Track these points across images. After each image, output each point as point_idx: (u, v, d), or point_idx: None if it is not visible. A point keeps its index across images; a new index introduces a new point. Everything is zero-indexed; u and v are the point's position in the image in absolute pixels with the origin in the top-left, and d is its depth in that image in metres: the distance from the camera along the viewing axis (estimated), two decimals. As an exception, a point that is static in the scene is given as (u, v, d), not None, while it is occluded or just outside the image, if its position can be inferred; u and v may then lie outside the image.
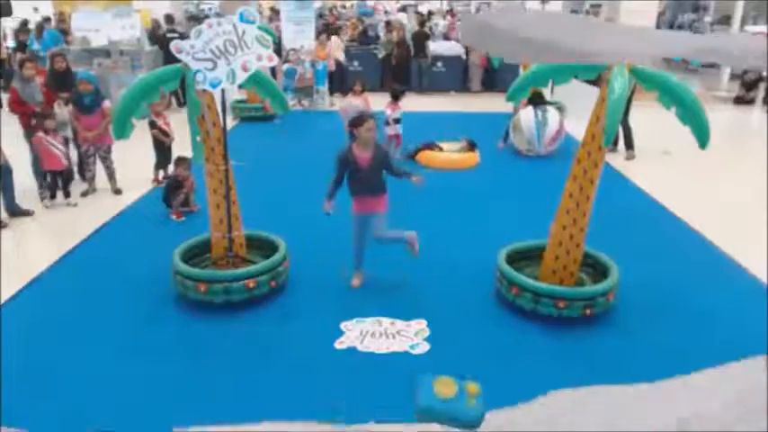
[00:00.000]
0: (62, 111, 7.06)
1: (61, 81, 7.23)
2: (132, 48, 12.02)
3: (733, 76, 15.22)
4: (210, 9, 19.34)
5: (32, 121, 6.77)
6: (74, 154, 7.27)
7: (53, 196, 6.85)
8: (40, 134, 6.53)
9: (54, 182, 6.86)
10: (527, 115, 8.85)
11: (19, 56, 9.95)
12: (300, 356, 4.00)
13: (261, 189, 6.81)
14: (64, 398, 3.59)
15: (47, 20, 13.95)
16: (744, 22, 16.47)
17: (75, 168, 7.47)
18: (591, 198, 4.31)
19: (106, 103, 7.00)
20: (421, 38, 14.39)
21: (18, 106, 6.83)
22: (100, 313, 4.53)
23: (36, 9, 14.13)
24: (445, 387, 2.26)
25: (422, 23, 16.13)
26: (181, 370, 3.86)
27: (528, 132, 8.79)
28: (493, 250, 4.84)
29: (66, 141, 7.14)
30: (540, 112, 8.81)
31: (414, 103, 13.32)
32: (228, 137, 4.69)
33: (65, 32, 12.25)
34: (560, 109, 9.26)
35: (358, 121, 4.56)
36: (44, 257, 5.42)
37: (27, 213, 6.47)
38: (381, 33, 15.44)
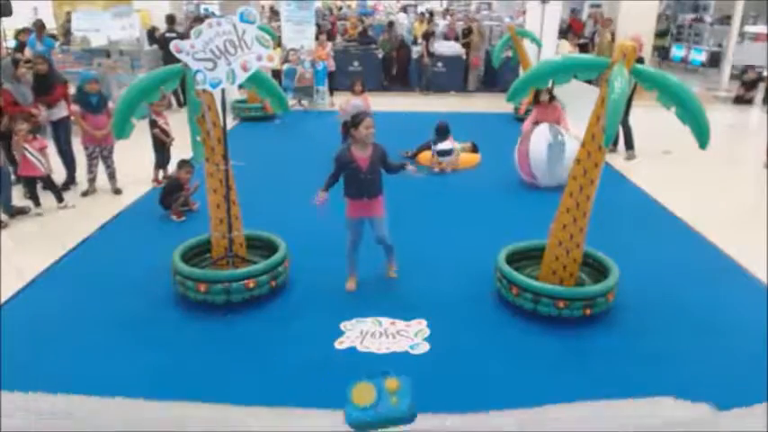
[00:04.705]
0: (43, 114, 6.98)
1: (42, 84, 7.10)
2: (132, 48, 12.02)
3: (733, 76, 15.24)
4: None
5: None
6: (55, 161, 7.09)
7: (36, 203, 6.55)
8: (18, 139, 6.32)
9: (32, 188, 6.56)
10: (538, 143, 7.33)
11: (19, 55, 9.93)
12: (300, 356, 3.99)
13: (261, 189, 6.81)
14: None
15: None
16: (744, 21, 16.47)
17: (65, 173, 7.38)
18: (591, 198, 4.31)
19: (111, 104, 7.01)
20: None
21: (11, 108, 6.73)
22: (100, 313, 4.53)
23: (35, 9, 14.05)
24: (363, 394, 2.21)
25: (427, 22, 16.17)
26: (180, 370, 3.86)
27: (539, 162, 7.32)
28: (493, 250, 4.84)
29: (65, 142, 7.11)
30: (555, 137, 7.29)
31: (414, 102, 13.36)
32: (228, 137, 4.69)
33: (65, 34, 12.22)
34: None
35: (356, 120, 4.48)
36: (44, 257, 5.42)
37: (23, 211, 6.46)
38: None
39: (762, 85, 13.79)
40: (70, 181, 7.40)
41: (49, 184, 6.71)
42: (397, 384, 2.21)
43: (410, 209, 5.79)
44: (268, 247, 5.01)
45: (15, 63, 7.50)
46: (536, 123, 7.88)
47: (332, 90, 12.86)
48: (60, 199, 6.74)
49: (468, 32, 14.94)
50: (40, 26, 11.17)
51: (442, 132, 8.20)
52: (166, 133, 7.37)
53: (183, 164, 6.52)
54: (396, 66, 15.13)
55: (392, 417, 2.21)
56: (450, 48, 14.73)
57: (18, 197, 6.66)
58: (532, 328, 4.32)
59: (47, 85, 7.11)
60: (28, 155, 6.40)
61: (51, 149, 7.05)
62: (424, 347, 4.09)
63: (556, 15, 12.52)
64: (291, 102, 11.44)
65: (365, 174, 4.51)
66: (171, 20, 12.77)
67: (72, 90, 7.40)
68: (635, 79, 4.14)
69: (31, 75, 7.17)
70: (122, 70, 11.43)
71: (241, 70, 4.23)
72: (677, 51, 18.62)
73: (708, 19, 19.09)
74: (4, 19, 9.94)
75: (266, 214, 5.80)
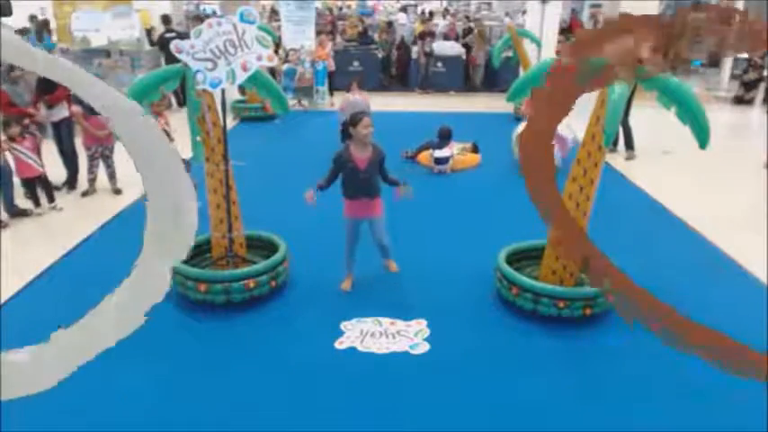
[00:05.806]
0: (44, 114, 7.00)
1: (45, 83, 7.07)
2: (132, 48, 12.03)
3: (733, 77, 15.23)
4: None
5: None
6: (55, 161, 7.11)
7: (36, 204, 6.58)
8: (6, 141, 6.30)
9: (32, 189, 6.57)
10: None
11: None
12: (300, 356, 4.00)
13: (261, 189, 6.80)
14: (62, 398, 3.59)
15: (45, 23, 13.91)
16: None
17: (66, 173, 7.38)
18: (591, 198, 4.31)
19: None
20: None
21: (8, 108, 6.73)
22: (100, 313, 4.53)
23: (42, 9, 14.07)
24: None
25: (424, 22, 16.16)
26: (180, 370, 3.86)
27: None
28: (493, 250, 4.84)
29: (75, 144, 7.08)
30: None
31: (413, 102, 13.36)
32: (228, 137, 4.69)
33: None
34: None
35: (354, 119, 4.48)
36: (44, 257, 5.42)
37: (25, 213, 6.46)
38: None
39: (762, 86, 13.79)
40: (72, 182, 7.40)
41: (43, 183, 6.71)
42: None
43: (410, 209, 5.78)
44: (268, 247, 5.02)
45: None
46: None
47: (332, 90, 12.86)
48: (52, 199, 6.72)
49: (467, 32, 14.93)
50: (40, 25, 11.16)
51: (444, 137, 8.20)
52: (166, 134, 7.37)
53: None
54: (395, 66, 15.13)
55: None
56: (451, 48, 14.72)
57: (18, 197, 6.65)
58: (532, 328, 4.32)
59: (50, 85, 7.12)
60: (22, 156, 6.38)
61: (51, 149, 7.06)
62: (424, 347, 4.09)
63: (556, 15, 12.51)
64: (291, 102, 11.44)
65: (363, 173, 4.51)
66: (166, 20, 12.72)
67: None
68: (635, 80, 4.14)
69: (29, 75, 7.17)
70: (122, 70, 11.45)
71: (241, 70, 4.24)
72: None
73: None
74: (4, 19, 9.94)
75: (266, 214, 5.80)
